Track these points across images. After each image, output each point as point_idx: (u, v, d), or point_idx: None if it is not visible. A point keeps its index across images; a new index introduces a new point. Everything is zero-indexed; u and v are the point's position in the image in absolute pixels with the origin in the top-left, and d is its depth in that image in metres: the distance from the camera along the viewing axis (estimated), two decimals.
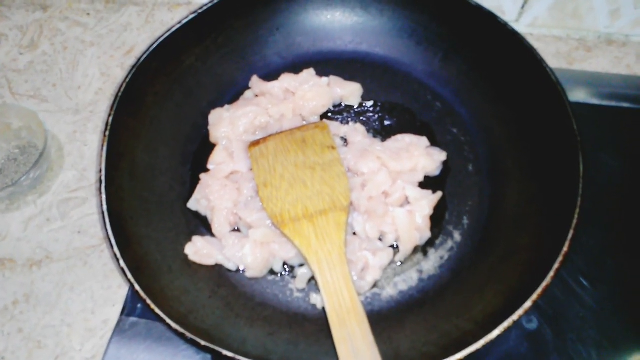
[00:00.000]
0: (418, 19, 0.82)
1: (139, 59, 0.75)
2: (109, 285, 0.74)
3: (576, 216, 0.60)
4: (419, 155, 0.73)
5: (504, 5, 0.91)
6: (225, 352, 0.56)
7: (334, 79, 0.81)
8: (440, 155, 0.75)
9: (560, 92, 0.68)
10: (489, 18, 0.76)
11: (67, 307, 0.73)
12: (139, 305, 0.71)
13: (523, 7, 0.91)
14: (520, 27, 0.94)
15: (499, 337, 0.56)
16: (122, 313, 0.71)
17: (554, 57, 0.92)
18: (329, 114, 0.82)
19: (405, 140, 0.75)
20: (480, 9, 0.76)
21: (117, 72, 0.93)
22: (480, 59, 0.79)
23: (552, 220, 0.64)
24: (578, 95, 0.86)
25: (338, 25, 0.86)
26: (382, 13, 0.84)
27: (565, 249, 0.58)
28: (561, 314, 0.70)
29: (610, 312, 0.70)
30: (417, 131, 0.78)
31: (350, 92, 0.81)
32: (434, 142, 0.78)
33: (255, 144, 0.75)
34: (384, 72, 0.84)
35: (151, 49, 0.75)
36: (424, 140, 0.75)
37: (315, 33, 0.85)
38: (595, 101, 0.86)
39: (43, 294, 0.74)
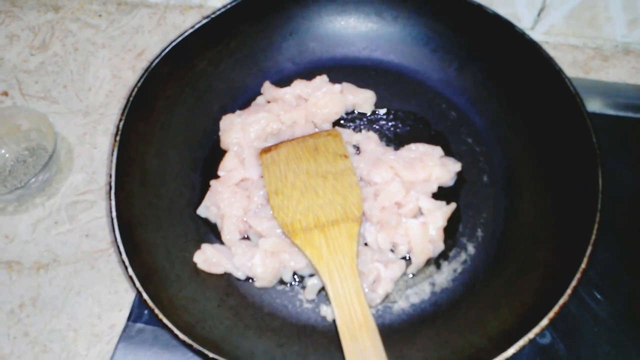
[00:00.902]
0: (433, 26, 0.81)
1: (151, 63, 0.74)
2: (116, 290, 0.73)
3: (595, 232, 0.59)
4: (432, 166, 0.72)
5: (519, 12, 0.90)
6: None
7: (347, 85, 0.80)
8: (455, 166, 0.74)
9: (579, 103, 0.67)
10: (506, 27, 0.74)
11: (74, 312, 0.72)
12: (146, 312, 0.70)
13: (539, 14, 0.90)
14: (536, 35, 0.93)
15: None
16: (128, 319, 0.70)
17: (570, 66, 0.91)
18: (342, 121, 0.81)
19: (419, 150, 0.74)
20: (497, 17, 0.75)
21: (128, 75, 0.92)
22: (497, 68, 0.78)
23: (569, 236, 0.63)
24: (594, 105, 0.85)
25: (352, 31, 0.85)
26: (396, 20, 0.83)
27: (583, 265, 0.57)
28: (575, 328, 0.69)
29: (625, 328, 0.68)
30: (431, 140, 0.77)
31: (363, 100, 0.80)
32: (448, 152, 0.77)
33: (266, 150, 0.74)
34: (397, 80, 0.83)
35: (163, 53, 0.75)
36: (438, 150, 0.74)
37: (328, 39, 0.85)
38: (611, 112, 0.85)
39: (50, 298, 0.73)
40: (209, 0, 1.00)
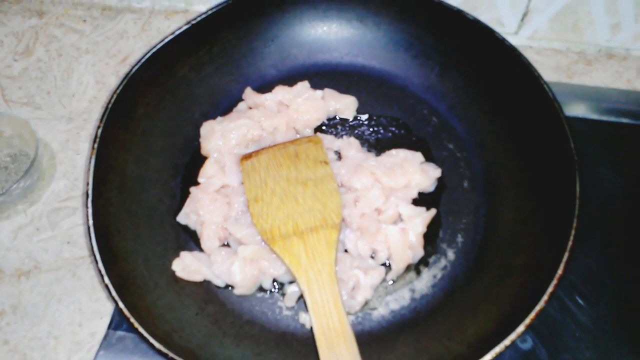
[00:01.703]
0: (414, 32, 0.81)
1: (131, 70, 0.74)
2: (97, 298, 0.73)
3: (572, 238, 0.59)
4: (413, 172, 0.72)
5: (503, 17, 0.90)
6: None
7: (328, 91, 0.80)
8: (435, 172, 0.74)
9: (557, 108, 0.67)
10: (487, 32, 0.75)
11: (55, 319, 0.72)
12: None
13: (523, 19, 0.90)
14: (520, 40, 0.93)
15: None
16: (109, 326, 0.70)
17: (553, 71, 0.91)
18: (323, 127, 0.81)
19: (399, 156, 0.74)
20: (477, 23, 0.75)
21: (112, 80, 0.92)
22: (478, 73, 0.78)
23: (547, 241, 0.63)
24: (577, 109, 0.85)
25: (334, 37, 0.85)
26: (378, 26, 0.83)
27: (560, 271, 0.57)
28: (556, 333, 0.69)
29: (607, 332, 0.68)
30: (413, 146, 0.77)
31: (345, 106, 0.80)
32: (429, 158, 0.77)
33: (247, 157, 0.74)
34: (379, 86, 0.84)
35: (143, 59, 0.74)
36: (418, 156, 0.74)
37: (310, 45, 0.85)
38: (594, 116, 0.85)
39: (31, 305, 0.73)
40: (194, 5, 1.00)
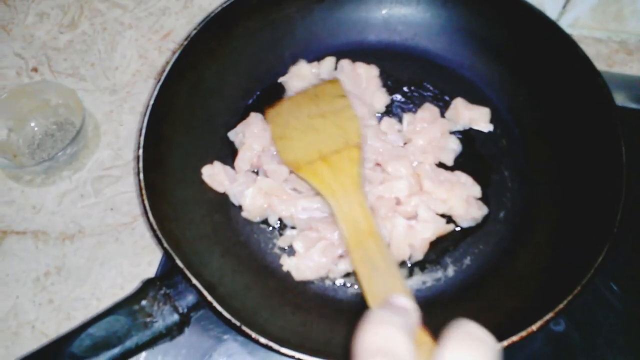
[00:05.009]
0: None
1: None
2: (138, 263, 0.75)
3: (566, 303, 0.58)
4: (458, 198, 0.70)
5: (545, 4, 0.90)
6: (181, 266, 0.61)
7: (460, 101, 0.79)
8: (477, 213, 0.71)
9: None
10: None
11: (97, 282, 0.74)
12: None
13: (564, 7, 0.90)
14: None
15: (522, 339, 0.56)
16: None
17: (593, 59, 0.89)
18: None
19: (460, 179, 0.72)
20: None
21: (154, 55, 0.94)
22: (560, 114, 0.76)
23: (549, 290, 0.62)
24: (617, 98, 0.84)
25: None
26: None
27: (534, 328, 0.57)
28: (589, 317, 0.69)
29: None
30: (473, 161, 0.76)
31: (480, 116, 0.78)
32: (481, 177, 0.74)
33: (271, 106, 0.78)
34: (469, 90, 0.82)
35: None
36: (475, 190, 0.72)
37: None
38: (634, 105, 0.85)
39: (74, 268, 0.75)
40: None
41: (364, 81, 0.80)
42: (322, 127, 0.71)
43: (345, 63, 0.81)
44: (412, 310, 0.42)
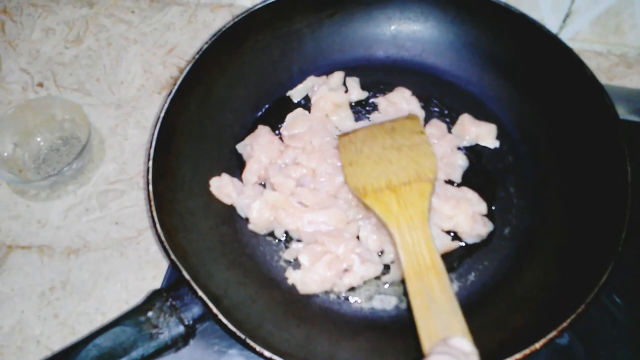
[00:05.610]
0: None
1: (255, 6, 0.80)
2: (143, 277, 0.75)
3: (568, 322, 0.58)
4: (463, 214, 0.70)
5: (545, 18, 0.91)
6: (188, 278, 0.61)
7: (467, 118, 0.80)
8: (482, 229, 0.71)
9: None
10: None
11: (102, 296, 0.74)
12: None
13: (565, 20, 0.91)
14: None
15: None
16: None
17: (594, 73, 0.91)
18: None
19: (466, 196, 0.72)
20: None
21: (159, 70, 0.95)
22: (568, 136, 0.76)
23: (553, 308, 0.62)
24: (617, 111, 0.85)
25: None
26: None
27: (537, 346, 0.57)
28: (593, 330, 0.69)
29: None
30: (479, 178, 0.76)
31: (486, 132, 0.79)
32: (486, 193, 0.75)
33: (345, 134, 0.77)
34: (475, 106, 0.83)
35: (269, 1, 0.81)
36: (481, 206, 0.73)
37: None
38: (634, 118, 0.85)
39: (79, 282, 0.75)
40: None
41: (404, 104, 0.81)
42: (395, 160, 0.70)
43: (380, 99, 0.83)
44: (472, 355, 0.41)
